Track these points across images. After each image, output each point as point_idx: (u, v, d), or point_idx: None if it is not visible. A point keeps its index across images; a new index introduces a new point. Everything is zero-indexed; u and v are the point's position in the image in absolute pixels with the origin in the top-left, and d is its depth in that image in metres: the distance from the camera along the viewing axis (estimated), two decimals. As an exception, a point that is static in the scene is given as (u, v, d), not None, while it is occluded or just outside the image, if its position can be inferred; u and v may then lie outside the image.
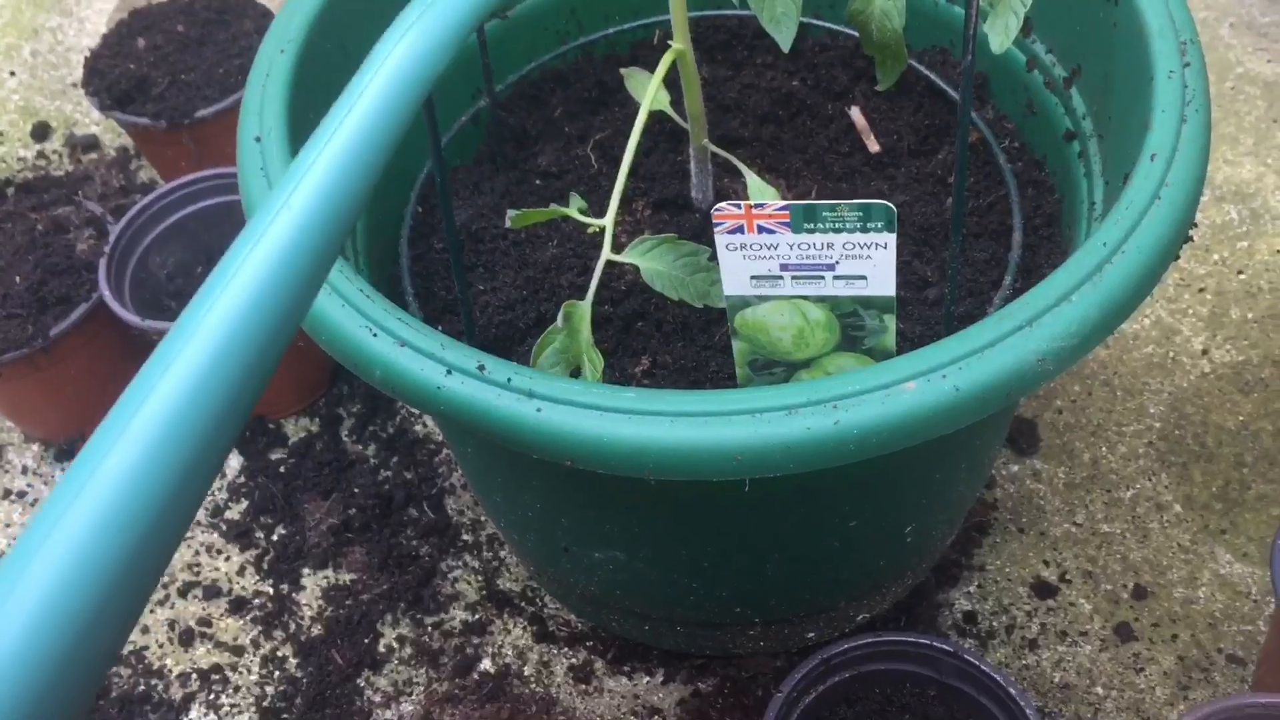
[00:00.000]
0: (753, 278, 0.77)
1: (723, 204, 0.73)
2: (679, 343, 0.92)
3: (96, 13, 1.89)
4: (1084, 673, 1.08)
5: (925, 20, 1.09)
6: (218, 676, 1.15)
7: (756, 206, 0.73)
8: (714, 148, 0.95)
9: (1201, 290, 1.35)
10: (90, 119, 1.71)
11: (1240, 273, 1.36)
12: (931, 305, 0.94)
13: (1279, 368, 1.27)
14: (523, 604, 1.17)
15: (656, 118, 1.00)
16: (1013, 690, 0.89)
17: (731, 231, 0.74)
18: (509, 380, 0.70)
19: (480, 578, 1.19)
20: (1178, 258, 0.77)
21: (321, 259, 0.49)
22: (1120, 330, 1.32)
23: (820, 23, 1.13)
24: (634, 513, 0.87)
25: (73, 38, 1.86)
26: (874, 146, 1.06)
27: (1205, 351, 1.29)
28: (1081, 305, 0.70)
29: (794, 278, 0.77)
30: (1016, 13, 0.80)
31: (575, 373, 0.83)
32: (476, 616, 1.17)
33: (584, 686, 1.11)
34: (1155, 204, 0.74)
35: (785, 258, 0.75)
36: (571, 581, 1.03)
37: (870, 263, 0.74)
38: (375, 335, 0.73)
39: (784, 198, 1.03)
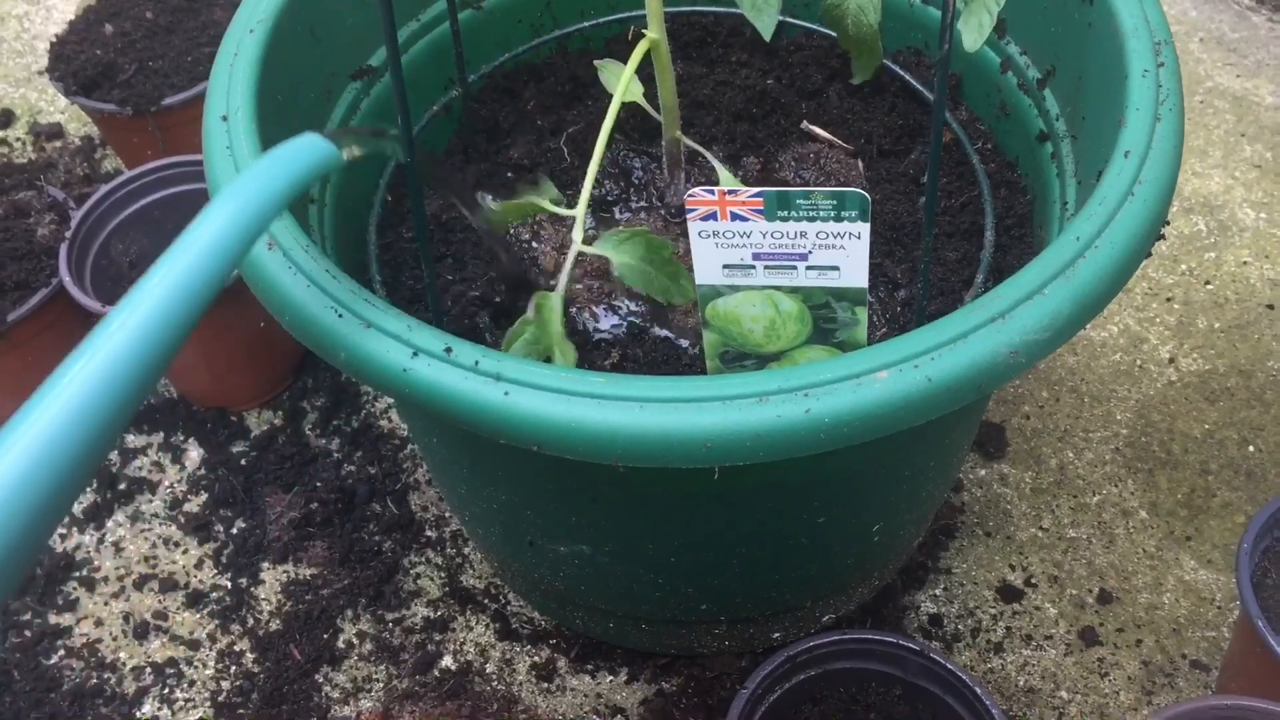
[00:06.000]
0: (725, 266, 0.76)
1: (696, 190, 0.72)
2: (650, 338, 0.92)
3: (65, 0, 1.86)
4: (1048, 677, 1.08)
5: (900, 21, 1.09)
6: (172, 670, 1.12)
7: (730, 193, 0.72)
8: (686, 140, 0.94)
9: (1169, 300, 1.35)
10: (55, 107, 1.68)
11: (1208, 283, 1.36)
12: (903, 306, 0.94)
13: (1244, 377, 1.28)
14: (486, 601, 1.16)
15: (630, 111, 0.99)
16: (978, 689, 0.89)
17: (704, 218, 0.73)
18: (476, 363, 0.69)
19: (443, 574, 1.18)
20: (1149, 255, 0.77)
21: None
22: (1089, 338, 1.32)
23: (796, 21, 1.13)
24: (601, 504, 0.86)
25: (39, 25, 1.83)
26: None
27: (1172, 360, 1.30)
28: (1054, 299, 0.70)
29: (766, 267, 0.76)
30: (990, 10, 0.80)
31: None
32: (439, 613, 1.15)
33: (546, 685, 1.10)
34: (1129, 200, 0.74)
35: (758, 246, 0.74)
36: (536, 577, 1.02)
37: (843, 253, 0.74)
38: (341, 316, 0.72)
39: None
